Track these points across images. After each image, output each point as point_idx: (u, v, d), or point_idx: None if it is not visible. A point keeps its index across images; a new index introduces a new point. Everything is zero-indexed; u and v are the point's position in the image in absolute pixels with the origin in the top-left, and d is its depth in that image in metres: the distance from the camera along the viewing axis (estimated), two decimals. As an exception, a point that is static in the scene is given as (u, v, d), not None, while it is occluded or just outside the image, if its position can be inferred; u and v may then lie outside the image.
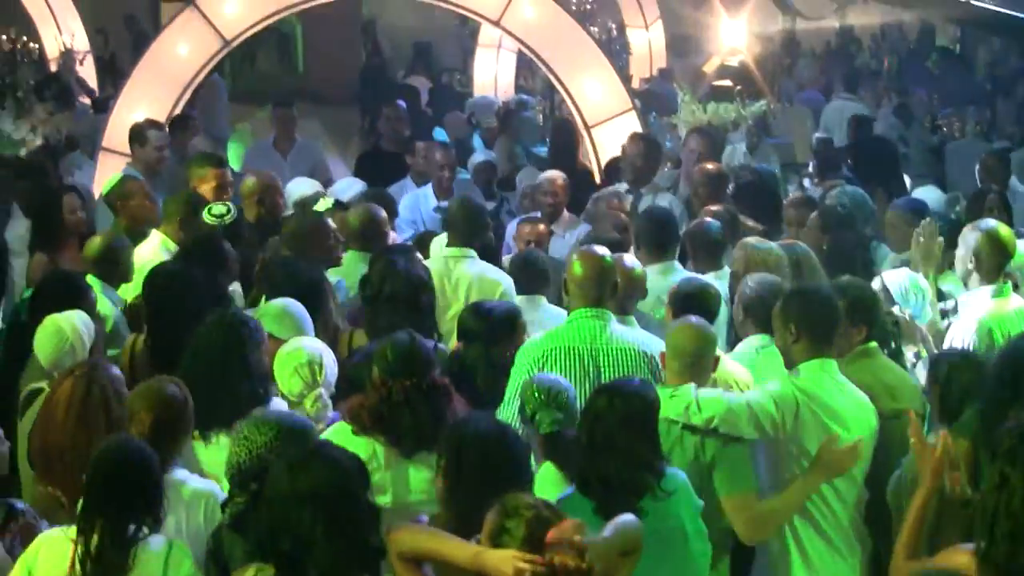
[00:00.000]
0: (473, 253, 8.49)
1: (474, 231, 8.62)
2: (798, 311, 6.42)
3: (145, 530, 5.07)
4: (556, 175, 11.06)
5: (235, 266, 8.35)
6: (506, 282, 8.33)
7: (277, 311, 7.16)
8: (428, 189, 11.42)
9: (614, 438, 5.47)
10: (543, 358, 6.70)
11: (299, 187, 10.49)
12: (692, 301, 7.05)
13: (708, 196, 10.15)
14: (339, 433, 6.04)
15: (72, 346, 6.77)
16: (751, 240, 8.17)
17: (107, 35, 22.42)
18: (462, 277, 8.36)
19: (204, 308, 6.99)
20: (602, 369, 6.64)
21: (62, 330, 6.81)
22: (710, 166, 10.61)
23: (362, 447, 5.82)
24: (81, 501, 5.11)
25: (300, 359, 6.52)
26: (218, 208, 9.06)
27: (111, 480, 5.06)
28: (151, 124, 11.27)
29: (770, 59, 20.73)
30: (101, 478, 5.07)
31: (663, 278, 8.03)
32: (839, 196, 9.79)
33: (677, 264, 8.44)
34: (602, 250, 7.08)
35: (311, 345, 6.67)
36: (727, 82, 17.94)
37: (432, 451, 5.57)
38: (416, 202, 11.35)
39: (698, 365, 6.21)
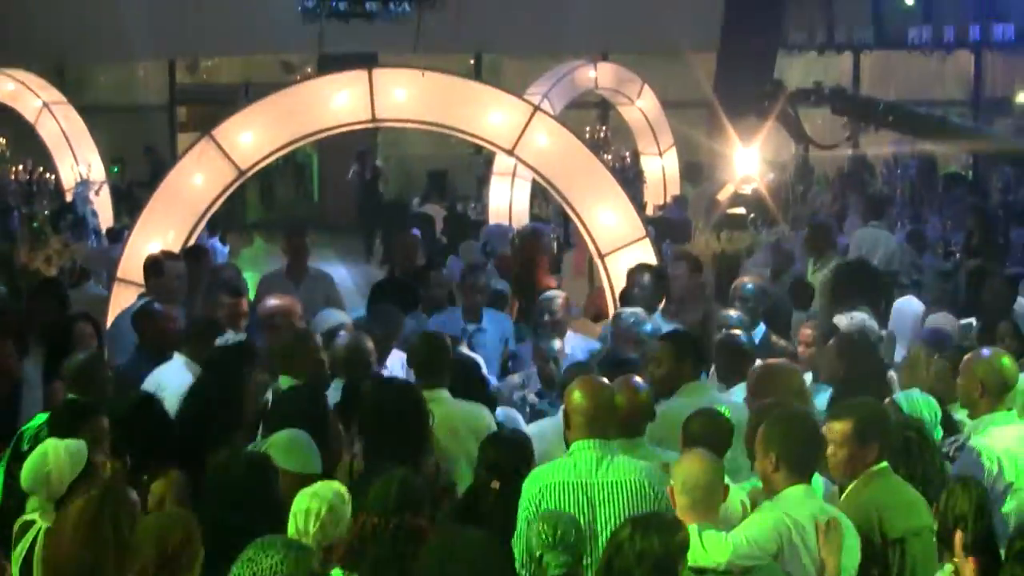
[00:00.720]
0: (445, 392, 8.25)
1: (441, 368, 8.36)
2: (780, 438, 6.36)
3: None
4: (558, 294, 11.22)
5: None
6: (485, 413, 8.23)
7: (285, 442, 7.10)
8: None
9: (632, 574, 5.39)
10: (539, 493, 6.58)
11: (327, 319, 10.52)
12: (703, 431, 7.02)
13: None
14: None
15: (48, 474, 6.68)
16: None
17: (124, 165, 22.58)
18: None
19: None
20: (596, 505, 6.51)
21: (45, 456, 6.75)
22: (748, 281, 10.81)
23: None
24: None
25: (319, 506, 6.29)
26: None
27: None
28: (167, 255, 11.35)
29: (784, 187, 20.78)
30: None
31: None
32: (848, 324, 9.77)
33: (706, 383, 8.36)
34: (602, 380, 7.03)
35: (331, 492, 6.53)
36: (741, 210, 18.00)
37: None
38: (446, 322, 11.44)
39: (708, 499, 6.11)
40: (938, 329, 10.17)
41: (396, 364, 9.90)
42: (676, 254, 13.15)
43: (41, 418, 8.07)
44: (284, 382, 8.43)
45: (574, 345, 10.80)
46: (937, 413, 7.72)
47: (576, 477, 6.59)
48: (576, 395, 6.80)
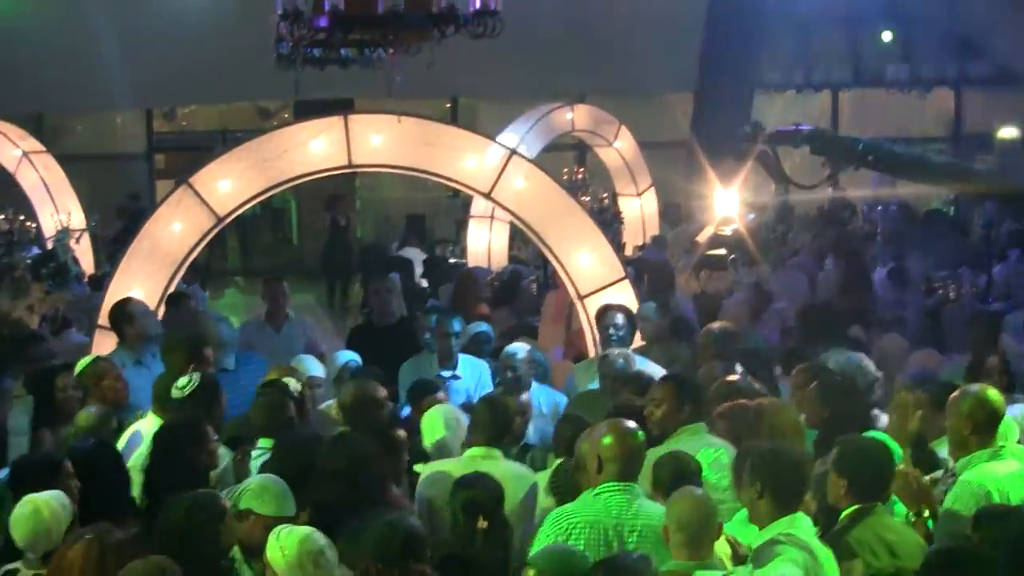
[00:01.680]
0: (499, 453, 8.21)
1: (501, 431, 8.35)
2: (765, 471, 6.51)
3: None
4: (520, 348, 11.08)
5: (214, 450, 8.23)
6: (535, 478, 8.16)
7: (257, 487, 7.10)
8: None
9: None
10: (567, 531, 6.66)
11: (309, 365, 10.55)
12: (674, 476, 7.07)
13: (715, 355, 10.19)
14: None
15: (48, 528, 6.71)
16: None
17: (103, 213, 22.55)
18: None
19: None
20: (627, 546, 6.55)
21: (39, 511, 6.76)
22: (716, 326, 10.67)
23: None
24: None
25: (311, 547, 6.31)
26: (180, 381, 9.00)
27: None
28: (133, 302, 11.34)
29: (764, 227, 20.81)
30: None
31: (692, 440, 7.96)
32: (837, 364, 9.74)
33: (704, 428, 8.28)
34: (631, 424, 7.07)
35: (315, 533, 6.53)
36: (721, 251, 18.03)
37: None
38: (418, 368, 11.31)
39: (701, 537, 6.15)
40: (922, 369, 10.15)
41: None
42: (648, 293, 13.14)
43: None
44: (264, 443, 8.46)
45: (539, 398, 10.67)
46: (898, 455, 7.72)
47: (607, 517, 6.70)
48: (608, 439, 6.86)
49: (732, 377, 9.33)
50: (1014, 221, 21.48)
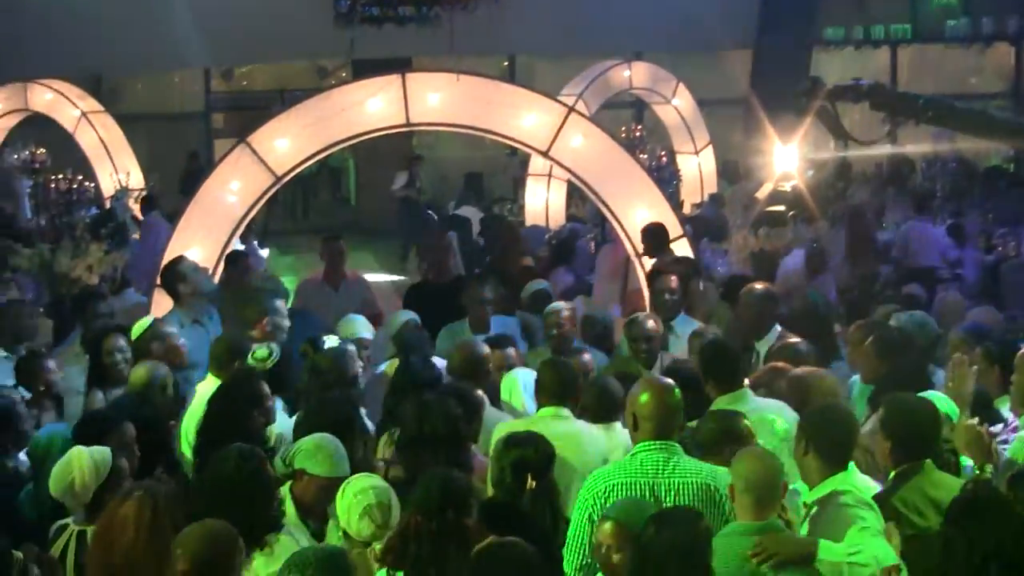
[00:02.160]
0: (568, 412, 8.19)
1: (566, 390, 8.29)
2: (812, 429, 6.56)
3: None
4: (563, 306, 11.01)
5: (271, 408, 8.30)
6: (604, 437, 8.13)
7: (311, 447, 7.13)
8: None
9: (664, 570, 5.38)
10: (605, 493, 6.61)
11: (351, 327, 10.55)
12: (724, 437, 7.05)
13: (756, 317, 10.14)
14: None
15: (73, 480, 6.82)
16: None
17: (162, 173, 22.66)
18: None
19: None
20: (664, 505, 6.49)
21: (70, 463, 6.90)
22: (758, 287, 10.58)
23: None
24: None
25: (370, 500, 6.42)
26: (260, 352, 9.09)
27: None
28: (184, 261, 11.39)
29: (823, 184, 20.68)
30: None
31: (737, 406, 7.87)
32: (898, 320, 9.68)
33: (749, 391, 8.22)
34: (669, 381, 7.03)
35: (379, 484, 6.57)
36: (781, 207, 17.93)
37: None
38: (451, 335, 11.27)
39: (768, 497, 6.11)
40: (979, 323, 10.07)
41: None
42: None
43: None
44: None
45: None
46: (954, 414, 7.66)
47: (643, 477, 6.64)
48: (643, 397, 6.82)
49: (792, 340, 9.30)
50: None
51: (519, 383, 9.06)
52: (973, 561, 5.34)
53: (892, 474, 6.79)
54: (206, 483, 6.71)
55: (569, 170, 12.70)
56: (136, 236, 17.89)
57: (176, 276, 11.26)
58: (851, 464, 6.63)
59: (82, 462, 6.87)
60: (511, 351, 9.88)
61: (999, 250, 17.28)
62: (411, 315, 10.92)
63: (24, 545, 6.06)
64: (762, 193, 19.58)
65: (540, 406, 8.21)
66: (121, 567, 6.05)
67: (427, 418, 7.49)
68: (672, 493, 6.57)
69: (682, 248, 12.42)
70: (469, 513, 6.26)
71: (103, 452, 7.02)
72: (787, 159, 19.22)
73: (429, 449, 7.37)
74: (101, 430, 7.49)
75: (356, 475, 6.68)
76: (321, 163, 18.80)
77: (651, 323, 10.23)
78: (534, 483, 6.91)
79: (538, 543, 5.91)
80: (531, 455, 6.97)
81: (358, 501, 6.40)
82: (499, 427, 8.05)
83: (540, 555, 5.57)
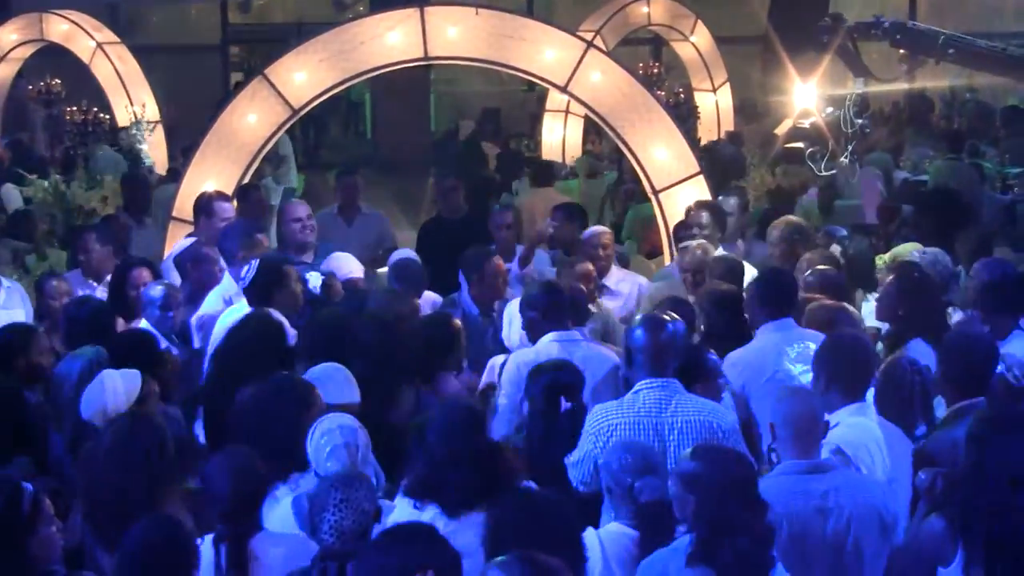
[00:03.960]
0: (577, 335, 8.23)
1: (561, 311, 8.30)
2: (830, 362, 6.62)
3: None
4: (603, 230, 10.95)
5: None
6: (616, 359, 8.10)
7: (320, 374, 7.16)
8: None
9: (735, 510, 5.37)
10: (608, 432, 6.60)
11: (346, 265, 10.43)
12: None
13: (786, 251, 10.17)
14: (401, 510, 6.06)
15: (105, 406, 6.89)
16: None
17: (177, 106, 22.62)
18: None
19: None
20: (668, 444, 6.51)
21: (102, 385, 6.99)
22: (788, 221, 10.60)
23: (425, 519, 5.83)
24: None
25: (336, 440, 6.35)
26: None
27: (143, 561, 5.03)
28: (219, 196, 11.34)
29: (841, 121, 20.57)
30: (131, 557, 5.05)
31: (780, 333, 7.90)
32: (920, 258, 9.65)
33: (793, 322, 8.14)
34: (665, 316, 7.01)
35: (347, 423, 6.48)
36: (799, 144, 17.86)
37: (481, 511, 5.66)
38: None
39: (813, 433, 6.06)
40: (998, 260, 10.03)
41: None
42: (726, 189, 13.01)
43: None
44: None
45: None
46: None
47: (646, 416, 6.62)
48: (638, 333, 6.80)
49: (821, 267, 9.27)
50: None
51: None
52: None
53: (947, 413, 6.79)
54: (244, 409, 6.74)
55: (587, 106, 12.64)
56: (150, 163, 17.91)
57: (206, 210, 11.22)
58: (869, 397, 6.67)
59: (113, 384, 6.93)
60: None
61: (1016, 191, 17.22)
62: (408, 252, 10.83)
63: (38, 479, 6.09)
64: (781, 130, 19.51)
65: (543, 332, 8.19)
66: (94, 486, 6.15)
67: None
68: (675, 432, 6.56)
69: (700, 186, 12.37)
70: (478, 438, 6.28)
71: (133, 374, 7.09)
72: (806, 96, 19.13)
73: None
74: (134, 353, 7.56)
75: (327, 415, 6.65)
76: (339, 97, 18.74)
77: (700, 251, 10.17)
78: (569, 403, 6.94)
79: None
80: (563, 377, 6.98)
81: (325, 441, 6.34)
82: (503, 359, 8.16)
83: (563, 505, 5.54)
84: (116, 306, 9.62)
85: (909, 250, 10.11)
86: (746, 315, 8.26)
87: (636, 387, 6.76)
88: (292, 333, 8.11)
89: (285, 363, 7.60)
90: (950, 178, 16.06)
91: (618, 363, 7.76)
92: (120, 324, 9.37)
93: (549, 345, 8.00)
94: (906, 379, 7.00)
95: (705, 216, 11.00)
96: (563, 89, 12.51)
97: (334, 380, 7.10)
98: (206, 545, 5.68)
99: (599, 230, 11.09)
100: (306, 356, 7.74)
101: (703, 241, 10.40)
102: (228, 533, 5.73)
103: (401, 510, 6.10)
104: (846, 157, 17.02)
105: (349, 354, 7.44)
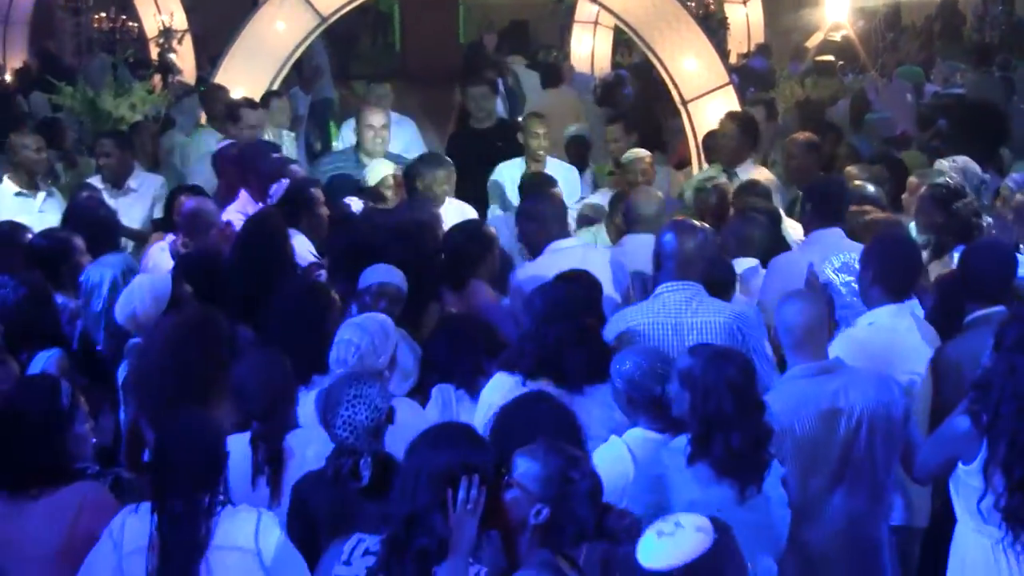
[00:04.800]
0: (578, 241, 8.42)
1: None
2: (877, 259, 6.71)
3: (223, 500, 5.08)
4: (644, 154, 10.92)
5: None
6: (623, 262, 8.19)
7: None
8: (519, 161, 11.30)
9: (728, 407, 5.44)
10: (628, 333, 6.65)
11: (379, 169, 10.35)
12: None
13: (803, 166, 10.14)
14: (500, 385, 6.21)
15: (135, 312, 7.01)
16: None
17: (205, 14, 22.55)
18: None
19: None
20: (687, 343, 6.46)
21: (132, 293, 7.12)
22: (802, 137, 10.55)
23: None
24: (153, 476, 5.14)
25: (343, 336, 6.41)
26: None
27: (178, 456, 5.07)
28: (246, 102, 11.33)
29: (873, 34, 20.46)
30: (168, 453, 5.09)
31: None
32: (950, 167, 9.68)
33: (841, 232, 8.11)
34: (695, 223, 7.05)
35: (359, 323, 6.56)
36: (830, 57, 17.79)
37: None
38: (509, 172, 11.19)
39: (821, 336, 6.13)
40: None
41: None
42: (752, 100, 12.99)
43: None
44: None
45: None
46: None
47: (666, 318, 6.65)
48: (667, 236, 6.84)
49: (858, 183, 9.25)
50: None
51: None
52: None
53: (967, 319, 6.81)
54: (267, 313, 6.83)
55: (617, 16, 12.61)
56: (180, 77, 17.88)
57: (232, 116, 11.23)
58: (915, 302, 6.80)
59: (143, 291, 7.02)
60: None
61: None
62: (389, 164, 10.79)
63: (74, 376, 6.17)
64: (812, 43, 19.43)
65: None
66: (146, 377, 6.26)
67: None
68: (695, 332, 6.59)
69: (729, 97, 12.33)
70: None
71: (164, 280, 7.20)
72: (838, 8, 19.05)
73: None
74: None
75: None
76: (368, 8, 18.65)
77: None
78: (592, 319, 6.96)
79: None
80: (579, 291, 6.95)
81: (338, 339, 6.43)
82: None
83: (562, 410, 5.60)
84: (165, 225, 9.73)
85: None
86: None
87: (658, 290, 6.80)
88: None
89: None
90: (981, 91, 15.94)
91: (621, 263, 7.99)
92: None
93: (550, 256, 8.01)
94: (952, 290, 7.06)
95: (734, 127, 10.95)
96: (593, -1, 12.46)
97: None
98: (243, 442, 5.75)
99: (640, 154, 10.99)
100: (330, 272, 7.84)
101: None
102: (263, 431, 5.80)
103: (502, 384, 6.23)
104: (877, 70, 16.97)
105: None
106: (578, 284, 6.89)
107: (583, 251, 8.13)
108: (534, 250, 8.25)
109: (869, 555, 6.09)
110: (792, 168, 10.43)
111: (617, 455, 5.69)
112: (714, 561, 4.26)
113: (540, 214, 8.26)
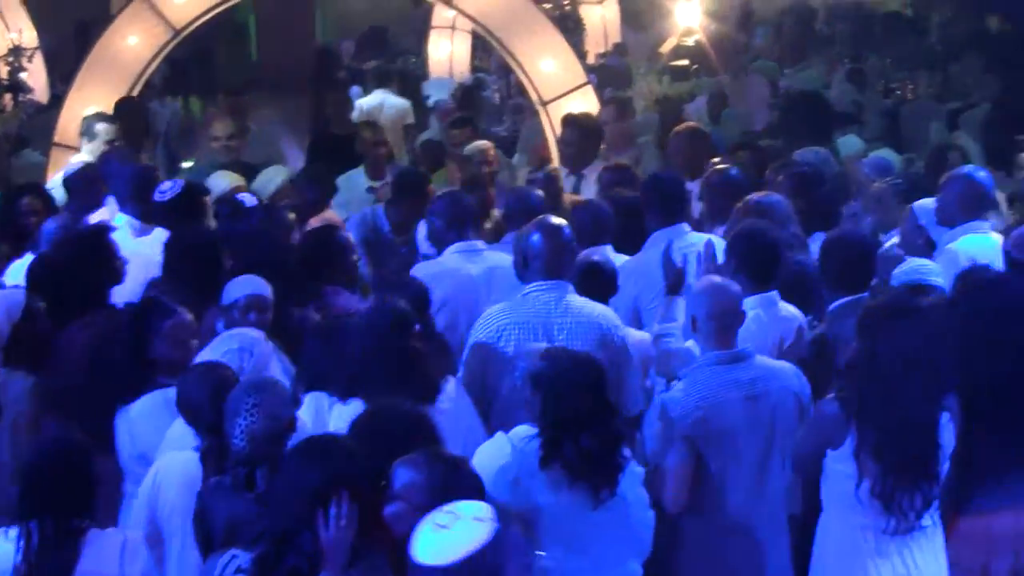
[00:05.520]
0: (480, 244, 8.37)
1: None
2: (738, 249, 6.93)
3: (90, 523, 5.01)
4: (487, 145, 10.99)
5: None
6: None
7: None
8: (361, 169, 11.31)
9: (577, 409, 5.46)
10: (498, 332, 6.70)
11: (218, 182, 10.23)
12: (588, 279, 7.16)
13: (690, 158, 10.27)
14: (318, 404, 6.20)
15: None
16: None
17: (56, 31, 22.19)
18: None
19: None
20: (556, 343, 6.49)
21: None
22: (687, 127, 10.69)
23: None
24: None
25: (232, 345, 6.44)
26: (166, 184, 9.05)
27: (45, 478, 4.99)
28: (100, 117, 11.18)
29: (726, 37, 20.67)
30: (35, 476, 5.01)
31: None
32: (803, 156, 9.83)
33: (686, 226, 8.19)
34: (560, 221, 7.05)
35: (245, 333, 6.61)
36: (684, 62, 18.02)
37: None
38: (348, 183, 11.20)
39: (733, 323, 6.21)
40: (882, 158, 10.32)
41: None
42: (609, 99, 13.08)
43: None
44: None
45: None
46: None
47: (536, 317, 6.70)
48: (534, 236, 6.86)
49: (721, 167, 9.36)
50: (970, 20, 21.41)
51: None
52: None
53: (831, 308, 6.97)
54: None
55: (473, 20, 12.64)
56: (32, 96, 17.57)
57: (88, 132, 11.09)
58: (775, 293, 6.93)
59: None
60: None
61: (898, 93, 17.47)
62: (282, 169, 10.80)
63: None
64: (666, 48, 19.63)
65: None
66: None
67: None
68: (565, 332, 6.62)
69: (587, 97, 12.41)
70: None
71: (14, 293, 7.20)
72: (689, 13, 19.32)
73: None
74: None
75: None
76: (224, 20, 18.43)
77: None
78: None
79: None
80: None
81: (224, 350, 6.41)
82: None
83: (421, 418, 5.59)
84: (4, 234, 9.52)
85: None
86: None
87: (525, 289, 6.83)
88: None
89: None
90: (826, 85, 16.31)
91: None
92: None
93: (450, 257, 8.04)
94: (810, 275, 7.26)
95: (572, 132, 10.99)
96: (448, 3, 12.51)
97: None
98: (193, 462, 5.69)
99: (482, 145, 11.02)
100: (171, 280, 7.73)
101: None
102: (214, 445, 5.69)
103: (317, 404, 6.21)
104: (730, 73, 17.23)
105: (216, 275, 7.48)
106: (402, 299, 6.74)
107: (482, 256, 8.14)
108: (439, 248, 8.26)
109: (781, 538, 6.22)
110: (680, 160, 10.45)
111: (499, 451, 5.68)
112: (495, 554, 4.23)
113: (444, 213, 8.25)
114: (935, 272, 7.12)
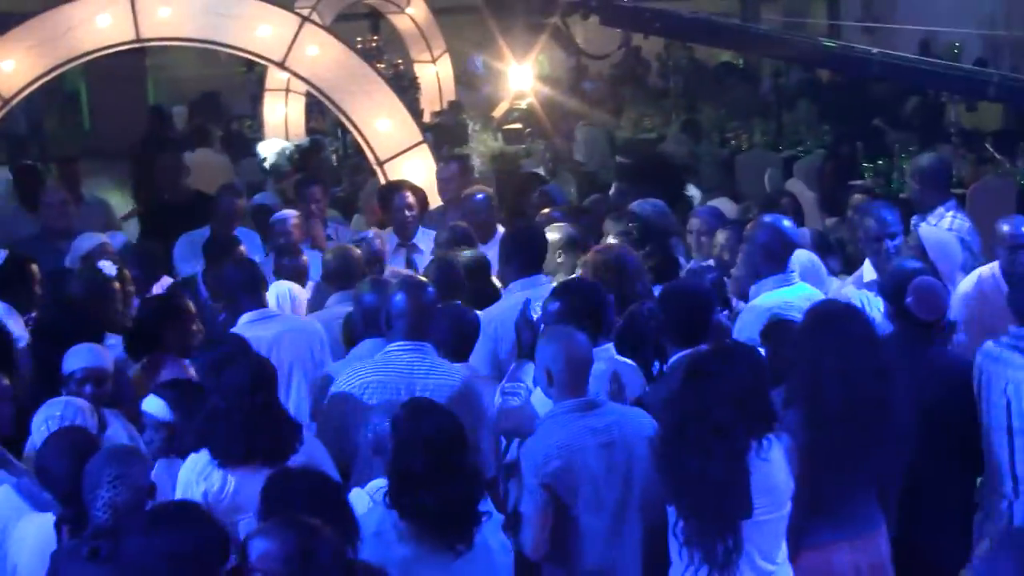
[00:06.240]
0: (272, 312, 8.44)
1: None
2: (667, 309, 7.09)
3: None
4: (290, 214, 10.91)
5: None
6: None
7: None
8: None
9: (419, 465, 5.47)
10: (362, 389, 6.76)
11: (85, 242, 10.22)
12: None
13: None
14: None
15: None
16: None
17: None
18: None
19: None
20: None
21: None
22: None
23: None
24: None
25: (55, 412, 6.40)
26: None
27: None
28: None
29: (559, 100, 20.91)
30: None
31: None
32: (641, 208, 9.94)
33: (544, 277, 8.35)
34: (423, 279, 7.22)
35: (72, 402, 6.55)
36: (517, 125, 18.22)
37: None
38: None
39: (584, 372, 6.21)
40: (714, 207, 10.52)
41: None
42: (447, 157, 13.12)
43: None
44: None
45: None
46: None
47: (398, 376, 6.76)
48: (397, 296, 6.91)
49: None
50: (803, 71, 21.91)
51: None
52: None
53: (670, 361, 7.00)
54: None
55: (307, 81, 12.61)
56: None
57: None
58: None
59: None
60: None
61: (733, 143, 17.79)
62: (98, 237, 10.65)
63: None
64: (498, 112, 19.81)
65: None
66: None
67: None
68: (428, 393, 6.59)
69: (423, 155, 12.45)
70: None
71: None
72: (521, 78, 19.53)
73: None
74: None
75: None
76: (54, 89, 18.22)
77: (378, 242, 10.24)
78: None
79: None
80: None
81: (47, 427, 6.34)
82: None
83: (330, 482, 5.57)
84: None
85: None
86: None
87: (387, 348, 6.90)
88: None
89: None
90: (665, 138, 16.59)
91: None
92: None
93: (242, 327, 8.06)
94: (641, 323, 7.32)
95: (410, 197, 11.02)
96: (280, 65, 12.45)
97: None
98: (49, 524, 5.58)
99: (285, 215, 10.83)
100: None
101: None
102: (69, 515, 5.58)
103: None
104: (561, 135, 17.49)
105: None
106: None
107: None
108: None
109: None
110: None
111: (358, 504, 5.68)
112: None
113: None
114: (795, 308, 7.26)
